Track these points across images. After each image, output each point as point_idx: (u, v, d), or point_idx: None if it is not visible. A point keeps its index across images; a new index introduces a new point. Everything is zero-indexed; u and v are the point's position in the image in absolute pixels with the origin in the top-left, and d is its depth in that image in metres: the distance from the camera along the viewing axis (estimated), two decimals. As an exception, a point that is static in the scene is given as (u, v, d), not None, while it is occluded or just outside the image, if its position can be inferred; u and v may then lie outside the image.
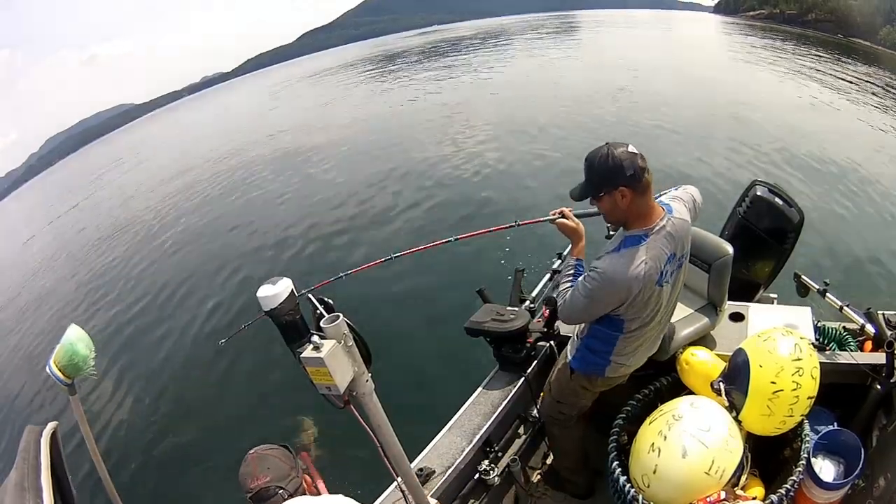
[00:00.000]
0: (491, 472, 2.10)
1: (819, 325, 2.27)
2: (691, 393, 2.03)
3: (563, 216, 1.81)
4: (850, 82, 14.28)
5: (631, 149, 1.49)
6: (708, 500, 1.62)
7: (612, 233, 2.77)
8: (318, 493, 1.65)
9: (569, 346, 1.96)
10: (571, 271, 1.77)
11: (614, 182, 1.48)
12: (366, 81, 29.37)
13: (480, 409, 2.20)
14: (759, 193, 2.69)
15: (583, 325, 1.85)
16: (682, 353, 2.11)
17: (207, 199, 12.79)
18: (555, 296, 1.98)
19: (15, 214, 34.37)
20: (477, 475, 2.09)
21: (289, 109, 26.63)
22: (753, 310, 2.38)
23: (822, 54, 21.30)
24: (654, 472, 1.64)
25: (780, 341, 1.71)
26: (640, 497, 1.69)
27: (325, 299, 1.22)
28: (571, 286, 1.71)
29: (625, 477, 1.75)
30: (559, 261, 2.67)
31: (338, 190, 10.18)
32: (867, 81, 14.54)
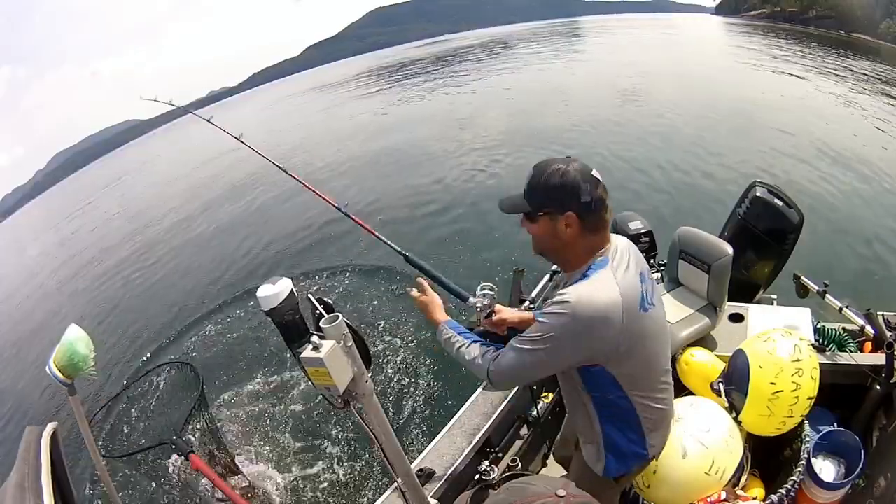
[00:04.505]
0: (491, 472, 2.10)
1: (819, 325, 2.27)
2: (691, 394, 2.03)
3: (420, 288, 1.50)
4: (851, 79, 14.24)
5: (595, 173, 1.18)
6: (708, 500, 1.62)
7: (557, 270, 2.58)
8: None
9: (586, 455, 1.43)
10: (451, 333, 1.37)
11: (562, 204, 1.16)
12: (372, 93, 28.88)
13: (480, 409, 2.20)
14: (758, 194, 2.69)
15: (580, 418, 1.39)
16: (681, 353, 2.11)
17: (212, 208, 12.73)
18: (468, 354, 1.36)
19: (22, 228, 34.46)
20: (477, 476, 2.09)
21: (295, 122, 26.55)
22: (753, 311, 2.38)
23: (823, 51, 21.27)
24: (654, 473, 1.64)
25: (780, 342, 1.71)
26: (641, 497, 1.69)
27: (325, 299, 1.22)
28: (476, 342, 1.32)
29: (624, 477, 1.75)
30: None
31: (342, 197, 10.12)
32: (868, 77, 14.50)
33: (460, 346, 1.34)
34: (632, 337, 1.17)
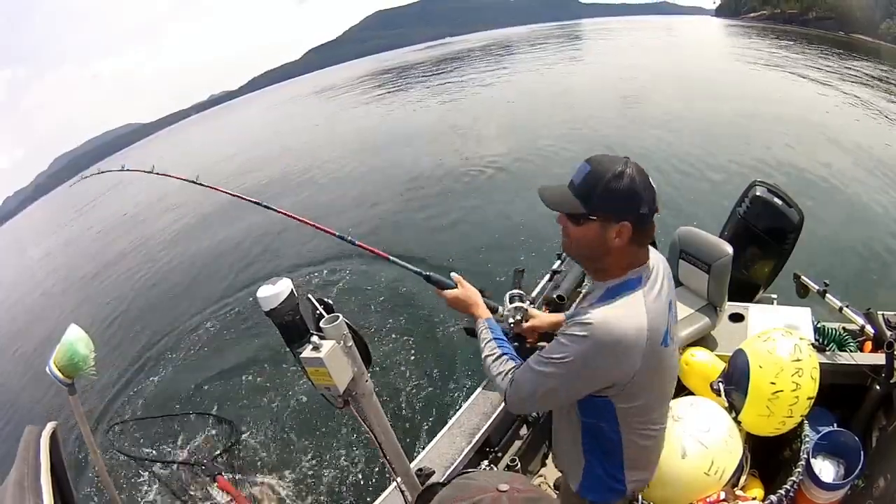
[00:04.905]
0: (491, 472, 2.10)
1: (819, 325, 2.27)
2: (691, 393, 2.03)
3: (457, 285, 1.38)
4: (852, 80, 14.24)
5: (651, 182, 1.07)
6: (707, 500, 1.62)
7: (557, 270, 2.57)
8: None
9: (565, 469, 1.41)
10: (487, 336, 1.29)
11: (619, 211, 1.05)
12: (374, 98, 28.63)
13: (480, 409, 2.20)
14: (758, 193, 2.68)
15: (564, 433, 1.34)
16: (681, 353, 2.11)
17: (212, 212, 12.69)
18: (494, 374, 1.23)
19: (25, 230, 34.57)
20: None
21: (295, 126, 26.49)
22: (753, 310, 2.38)
23: (823, 53, 21.31)
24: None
25: (780, 342, 1.71)
26: (640, 497, 1.68)
27: (325, 299, 1.22)
28: (507, 355, 1.24)
29: (624, 477, 1.75)
30: (559, 261, 2.67)
31: (341, 204, 10.07)
32: (869, 78, 14.51)
33: (489, 355, 1.25)
34: (648, 371, 1.08)
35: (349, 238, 1.58)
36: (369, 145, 14.70)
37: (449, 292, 1.36)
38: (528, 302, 1.48)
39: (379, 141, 15.13)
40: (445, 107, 19.42)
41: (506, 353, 1.24)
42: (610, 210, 1.05)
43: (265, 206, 1.82)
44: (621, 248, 1.08)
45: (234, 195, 1.92)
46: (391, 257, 1.49)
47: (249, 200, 1.89)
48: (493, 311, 1.43)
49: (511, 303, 1.46)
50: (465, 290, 1.36)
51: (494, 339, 1.28)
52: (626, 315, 1.05)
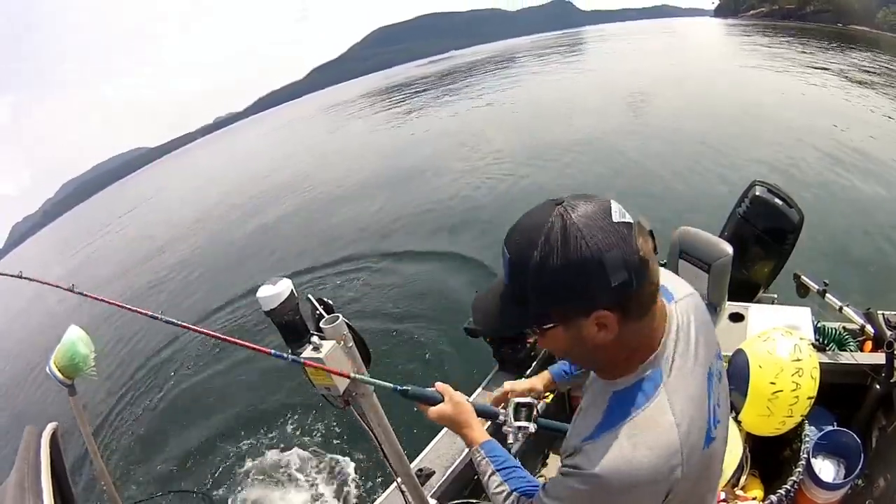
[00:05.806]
0: (490, 472, 2.09)
1: (819, 325, 2.26)
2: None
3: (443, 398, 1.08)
4: (851, 73, 14.20)
5: (618, 216, 0.65)
6: (707, 500, 1.62)
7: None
8: None
9: None
10: (489, 468, 1.02)
11: (581, 300, 0.67)
12: (384, 117, 28.42)
13: (480, 409, 2.20)
14: (758, 193, 2.68)
15: None
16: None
17: (217, 228, 12.63)
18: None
19: (32, 256, 34.92)
20: (476, 476, 2.09)
21: (301, 146, 26.46)
22: (753, 310, 2.38)
23: (822, 46, 21.31)
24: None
25: (780, 342, 1.71)
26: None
27: (325, 299, 1.21)
28: (517, 491, 0.96)
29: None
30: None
31: (348, 218, 9.90)
32: (868, 71, 14.46)
33: (496, 493, 0.98)
34: (686, 486, 0.73)
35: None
36: (380, 165, 14.49)
37: (434, 410, 1.08)
38: (536, 410, 1.19)
39: (391, 158, 14.97)
40: (453, 121, 19.35)
41: (516, 490, 0.96)
42: (563, 305, 0.68)
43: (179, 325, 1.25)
44: (614, 341, 0.70)
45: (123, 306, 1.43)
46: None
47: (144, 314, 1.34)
48: (493, 416, 1.17)
49: (517, 417, 1.16)
50: (455, 407, 1.07)
51: (497, 470, 1.00)
52: (647, 445, 0.69)
